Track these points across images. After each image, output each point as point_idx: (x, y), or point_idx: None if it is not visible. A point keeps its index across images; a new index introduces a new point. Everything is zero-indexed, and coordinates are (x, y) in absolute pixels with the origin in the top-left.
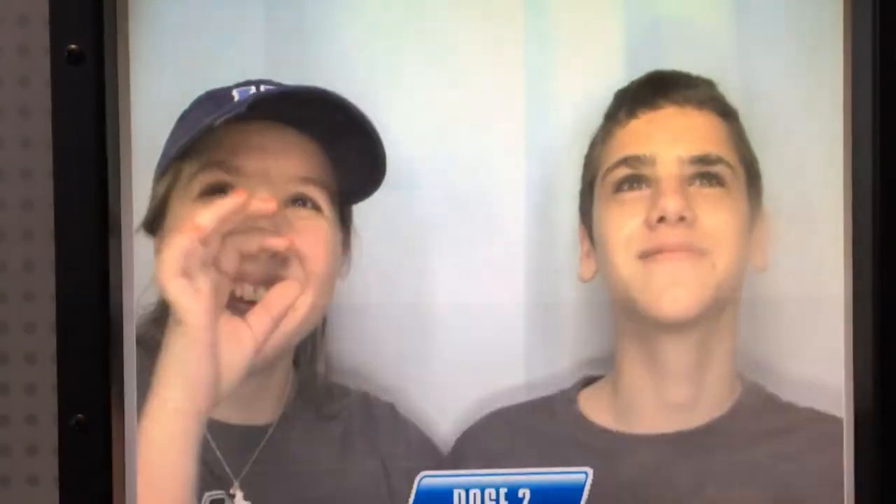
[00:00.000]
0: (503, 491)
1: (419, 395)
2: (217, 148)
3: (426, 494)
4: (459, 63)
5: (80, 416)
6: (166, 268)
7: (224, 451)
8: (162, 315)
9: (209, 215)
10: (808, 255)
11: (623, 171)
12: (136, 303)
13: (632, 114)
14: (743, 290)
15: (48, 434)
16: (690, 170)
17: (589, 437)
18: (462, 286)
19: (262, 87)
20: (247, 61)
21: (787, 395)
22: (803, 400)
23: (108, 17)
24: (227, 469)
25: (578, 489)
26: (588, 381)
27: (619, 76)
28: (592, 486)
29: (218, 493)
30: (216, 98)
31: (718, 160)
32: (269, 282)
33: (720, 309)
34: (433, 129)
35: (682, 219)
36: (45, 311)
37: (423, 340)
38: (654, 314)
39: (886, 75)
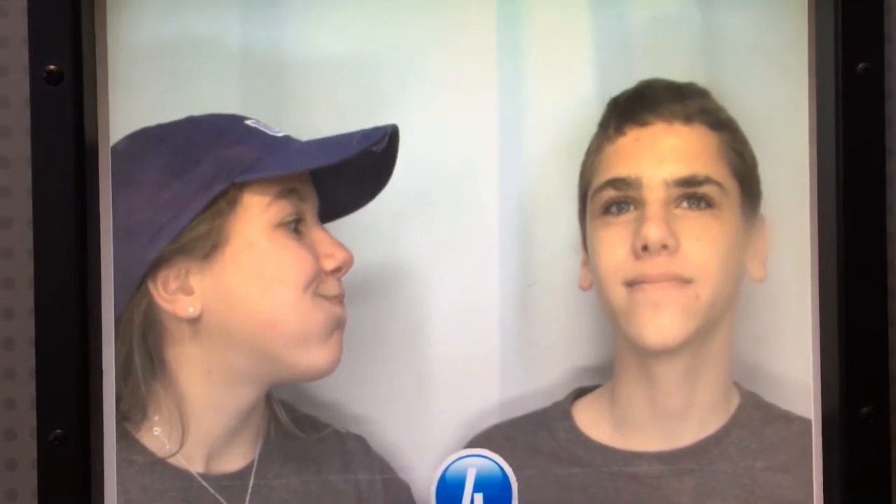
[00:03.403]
0: None
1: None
2: (287, 176)
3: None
4: (432, 74)
5: (58, 430)
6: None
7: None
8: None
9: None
10: (779, 264)
11: (610, 194)
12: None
13: (620, 129)
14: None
15: (27, 448)
16: (676, 192)
17: (587, 453)
18: (439, 297)
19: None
20: (224, 83)
21: (786, 403)
22: (799, 408)
23: (87, 38)
24: None
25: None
26: (580, 393)
27: (591, 87)
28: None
29: None
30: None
31: (706, 180)
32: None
33: (712, 327)
34: (409, 145)
35: (664, 247)
36: (25, 326)
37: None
38: (638, 343)
39: (849, 85)
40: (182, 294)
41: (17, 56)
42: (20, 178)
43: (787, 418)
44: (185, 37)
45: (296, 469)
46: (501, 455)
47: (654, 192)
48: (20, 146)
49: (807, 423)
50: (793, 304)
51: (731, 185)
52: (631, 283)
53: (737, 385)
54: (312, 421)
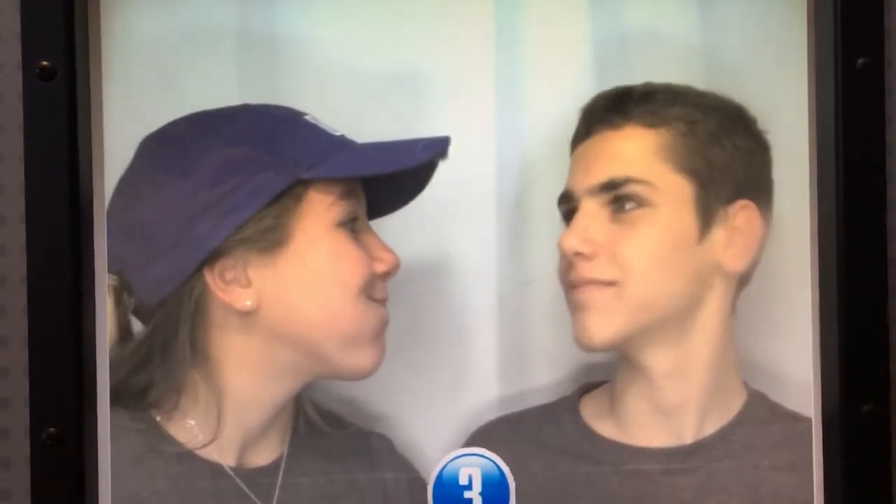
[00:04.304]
0: None
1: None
2: (344, 183)
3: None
4: (429, 72)
5: (51, 429)
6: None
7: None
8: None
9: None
10: (779, 262)
11: (562, 208)
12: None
13: (573, 147)
14: (723, 295)
15: (21, 447)
16: (602, 198)
17: (593, 447)
18: (436, 294)
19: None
20: (218, 77)
21: (786, 402)
22: (799, 407)
23: (80, 34)
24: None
25: None
26: (587, 389)
27: (589, 85)
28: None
29: None
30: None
31: (626, 181)
32: None
33: (681, 323)
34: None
35: (579, 254)
36: (18, 325)
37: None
38: (575, 343)
39: (848, 81)
40: (238, 286)
41: (10, 52)
42: (13, 174)
43: (795, 418)
44: (179, 32)
45: (324, 466)
46: (507, 446)
47: (581, 203)
48: (13, 143)
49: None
50: (793, 303)
51: (673, 181)
52: (567, 289)
53: (745, 384)
54: (338, 418)
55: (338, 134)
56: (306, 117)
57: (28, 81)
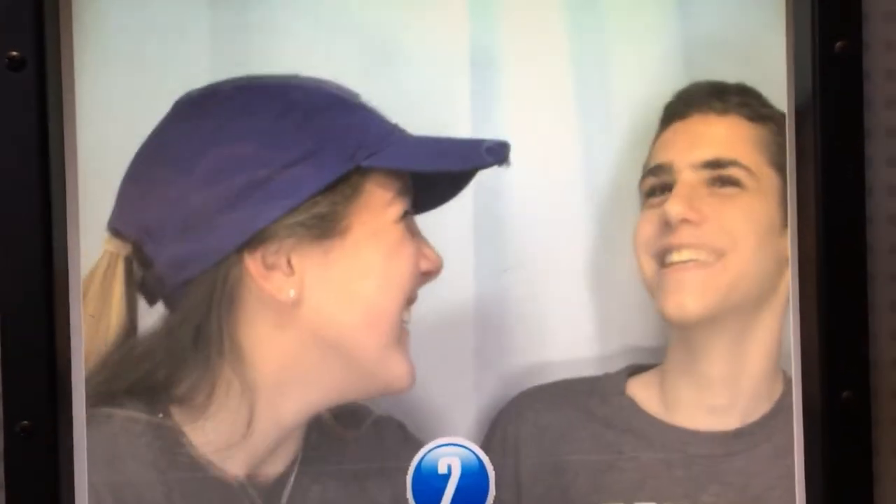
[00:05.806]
0: None
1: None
2: (403, 175)
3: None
4: (404, 58)
5: (25, 422)
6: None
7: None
8: None
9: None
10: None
11: (650, 181)
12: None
13: (665, 125)
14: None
15: None
16: (704, 174)
17: (640, 423)
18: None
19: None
20: (191, 65)
21: None
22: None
23: (51, 24)
24: None
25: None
26: (635, 371)
27: (566, 68)
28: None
29: None
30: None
31: (731, 163)
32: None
33: (753, 305)
34: None
35: (685, 221)
36: None
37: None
38: (662, 314)
39: (826, 64)
40: (281, 274)
41: None
42: None
43: None
44: (152, 22)
45: (335, 474)
46: (560, 411)
47: (683, 175)
48: None
49: None
50: None
51: (766, 173)
52: (658, 255)
53: (783, 372)
54: (353, 412)
55: (392, 121)
56: (361, 99)
57: None
